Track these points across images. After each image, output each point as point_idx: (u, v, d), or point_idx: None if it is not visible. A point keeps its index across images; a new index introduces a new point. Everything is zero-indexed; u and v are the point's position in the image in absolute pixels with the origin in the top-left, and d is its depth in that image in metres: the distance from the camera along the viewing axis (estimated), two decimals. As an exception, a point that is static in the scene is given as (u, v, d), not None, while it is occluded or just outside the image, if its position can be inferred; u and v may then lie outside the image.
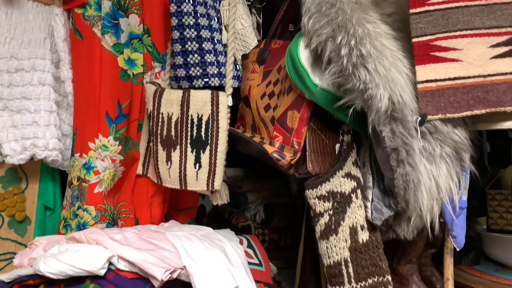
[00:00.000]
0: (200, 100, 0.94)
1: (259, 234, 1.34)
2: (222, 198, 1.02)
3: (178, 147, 0.96)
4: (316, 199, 0.75)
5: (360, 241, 0.72)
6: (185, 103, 0.94)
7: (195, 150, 0.96)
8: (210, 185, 0.96)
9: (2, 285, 0.76)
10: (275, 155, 0.81)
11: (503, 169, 1.44)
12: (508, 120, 0.76)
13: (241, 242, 1.00)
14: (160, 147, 0.97)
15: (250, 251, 1.01)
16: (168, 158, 0.97)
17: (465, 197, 0.82)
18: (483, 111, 0.73)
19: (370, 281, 0.70)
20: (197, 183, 0.97)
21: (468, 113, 0.73)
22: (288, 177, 1.27)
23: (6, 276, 0.78)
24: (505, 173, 1.40)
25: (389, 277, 0.70)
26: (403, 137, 0.66)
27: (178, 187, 0.98)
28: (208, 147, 0.95)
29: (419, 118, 0.72)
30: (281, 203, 1.40)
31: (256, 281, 0.90)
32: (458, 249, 0.86)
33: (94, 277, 0.72)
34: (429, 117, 0.73)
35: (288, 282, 1.36)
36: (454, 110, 0.74)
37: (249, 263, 0.94)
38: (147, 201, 1.06)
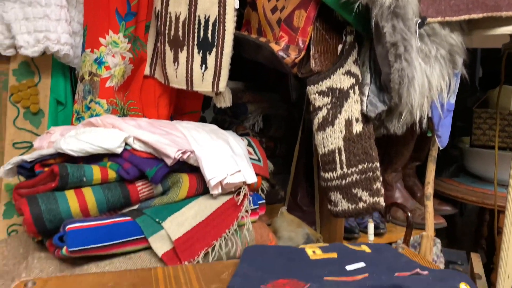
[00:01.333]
0: (208, 1, 0.96)
1: (261, 146, 1.42)
2: (225, 101, 1.07)
3: (185, 47, 1.00)
4: (317, 94, 0.81)
5: (354, 132, 0.79)
6: (193, 3, 0.96)
7: (201, 51, 0.99)
8: (215, 86, 1.01)
9: (24, 164, 0.83)
10: (280, 53, 0.86)
11: (491, 89, 1.51)
12: (503, 26, 0.80)
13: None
14: (167, 47, 1.01)
15: (250, 149, 1.09)
16: (175, 59, 1.01)
17: (453, 100, 0.88)
18: (481, 15, 0.78)
19: (360, 167, 0.78)
20: (202, 84, 1.02)
21: (466, 16, 0.78)
22: (287, 88, 1.33)
23: (28, 156, 0.84)
24: (493, 93, 1.47)
25: (378, 164, 0.78)
26: (403, 33, 0.70)
27: (184, 87, 1.03)
28: (214, 49, 0.99)
29: (419, 20, 0.76)
30: (278, 114, 1.47)
31: (256, 174, 0.99)
32: (441, 148, 0.94)
33: (111, 156, 0.79)
34: (428, 19, 0.77)
35: (281, 186, 1.47)
36: (453, 13, 0.78)
37: (250, 158, 1.03)
38: (154, 101, 1.11)
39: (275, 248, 0.60)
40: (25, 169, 0.82)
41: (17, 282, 0.48)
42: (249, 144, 1.11)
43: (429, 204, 1.17)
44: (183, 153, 0.79)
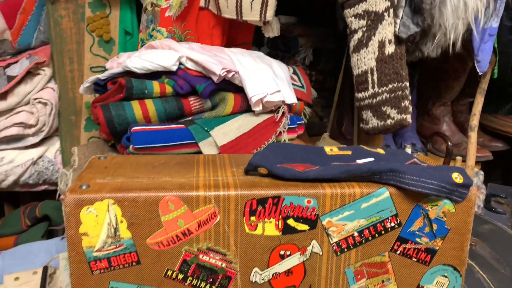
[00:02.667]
0: None
1: (306, 74, 1.49)
2: (273, 30, 1.14)
3: (235, -22, 1.07)
4: (353, 17, 0.86)
5: (386, 53, 0.84)
6: None
7: (250, -19, 1.06)
8: (263, 15, 1.08)
9: (99, 82, 0.98)
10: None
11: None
12: None
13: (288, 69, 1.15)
14: (220, -21, 1.09)
15: (295, 77, 1.16)
16: (227, -11, 1.09)
17: (495, 24, 0.88)
18: None
19: (390, 86, 0.84)
20: (251, 13, 1.09)
21: None
22: (336, 21, 1.36)
23: (101, 75, 1.00)
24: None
25: (407, 83, 0.83)
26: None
27: (234, 17, 1.11)
28: (262, -21, 1.05)
29: None
30: (328, 48, 1.51)
31: (298, 99, 1.07)
32: (480, 73, 0.95)
33: (168, 73, 0.92)
34: None
35: (329, 119, 1.54)
36: None
37: (293, 84, 1.11)
38: (208, 31, 1.21)
39: (296, 145, 0.69)
40: (99, 86, 0.97)
41: (93, 156, 0.63)
42: (294, 72, 1.19)
43: (473, 135, 1.19)
44: (228, 71, 0.89)
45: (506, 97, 1.52)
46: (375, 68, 0.85)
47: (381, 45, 0.84)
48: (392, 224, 0.57)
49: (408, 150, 1.13)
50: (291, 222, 0.55)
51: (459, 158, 1.10)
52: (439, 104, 1.38)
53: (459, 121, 1.49)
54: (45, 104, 1.07)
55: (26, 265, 0.86)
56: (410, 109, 0.83)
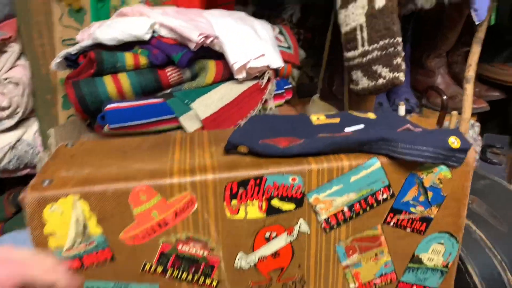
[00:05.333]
0: None
1: (294, 33, 1.41)
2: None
3: None
4: (338, -32, 0.78)
5: (377, 7, 0.77)
6: None
7: None
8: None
9: (70, 57, 0.91)
10: None
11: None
12: None
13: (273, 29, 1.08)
14: None
15: (281, 37, 1.09)
16: None
17: (493, -33, 0.81)
18: None
19: (381, 43, 0.77)
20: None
21: None
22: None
23: (72, 49, 0.93)
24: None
25: (400, 39, 0.76)
26: None
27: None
28: None
29: None
30: (316, 3, 1.42)
31: (285, 61, 1.01)
32: (477, 23, 0.88)
33: (141, 43, 0.85)
34: None
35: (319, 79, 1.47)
36: None
37: (279, 46, 1.04)
38: (185, -8, 1.13)
39: (281, 116, 0.64)
40: (71, 61, 0.90)
41: (60, 144, 0.58)
42: (281, 32, 1.11)
43: (469, 87, 1.13)
44: (206, 37, 0.82)
45: (502, 44, 1.45)
46: (364, 24, 0.78)
47: (370, -1, 0.77)
48: (385, 196, 0.53)
49: (402, 107, 1.08)
50: (275, 202, 0.51)
51: (454, 112, 1.06)
52: (433, 56, 1.32)
53: (455, 72, 1.43)
54: (16, 84, 1.01)
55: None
56: (403, 66, 0.77)
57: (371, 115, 0.63)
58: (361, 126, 0.58)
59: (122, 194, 0.47)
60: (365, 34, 0.80)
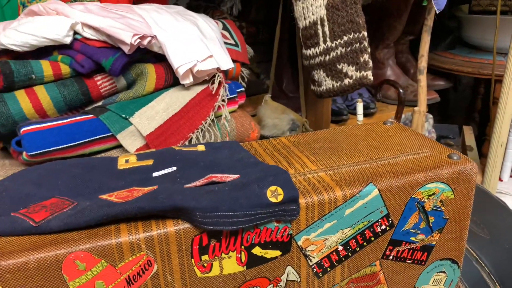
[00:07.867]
0: None
1: (238, 29, 1.29)
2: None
3: None
4: (292, -46, 0.68)
5: (338, -3, 0.68)
6: None
7: None
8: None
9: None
10: None
11: None
12: None
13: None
14: None
15: (226, 33, 0.97)
16: None
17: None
18: None
19: (345, 38, 0.69)
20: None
21: None
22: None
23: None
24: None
25: (365, 33, 0.68)
26: None
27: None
28: None
29: None
30: (258, -6, 1.32)
31: (233, 60, 0.89)
32: (438, 12, 0.83)
33: (60, 48, 0.69)
34: None
35: (267, 75, 1.38)
36: None
37: (225, 43, 0.92)
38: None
39: (77, 160, 0.50)
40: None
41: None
42: (225, 28, 0.99)
43: (422, 78, 1.10)
44: (142, 38, 0.69)
45: (445, 31, 1.45)
46: (325, 18, 0.69)
47: (331, -13, 0.68)
48: (383, 227, 0.45)
49: (360, 104, 1.02)
50: (257, 251, 0.40)
51: (416, 108, 1.01)
52: (382, 46, 1.28)
53: (401, 62, 1.41)
54: None
55: None
56: (371, 64, 0.70)
57: (200, 147, 0.53)
58: (174, 168, 0.47)
59: (51, 266, 0.34)
60: (326, 29, 0.70)
